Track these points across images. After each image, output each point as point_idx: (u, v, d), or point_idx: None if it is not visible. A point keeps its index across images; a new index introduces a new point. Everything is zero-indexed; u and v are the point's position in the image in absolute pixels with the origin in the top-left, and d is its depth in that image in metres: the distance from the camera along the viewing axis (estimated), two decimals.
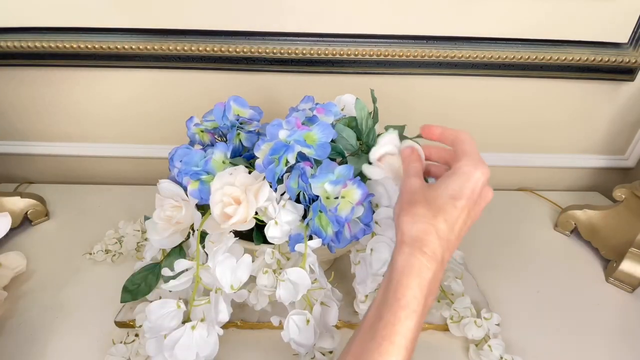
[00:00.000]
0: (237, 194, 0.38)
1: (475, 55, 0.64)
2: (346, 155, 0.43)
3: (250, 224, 0.38)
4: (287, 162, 0.38)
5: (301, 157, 0.39)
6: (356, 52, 0.63)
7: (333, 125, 0.42)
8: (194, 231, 0.41)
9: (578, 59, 0.64)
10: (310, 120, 0.43)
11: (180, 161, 0.43)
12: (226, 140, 0.46)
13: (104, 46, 0.61)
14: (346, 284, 0.48)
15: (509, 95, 0.70)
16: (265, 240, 0.39)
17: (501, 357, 0.43)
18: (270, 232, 0.38)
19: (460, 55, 0.64)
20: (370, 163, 0.37)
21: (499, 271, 0.58)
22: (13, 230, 0.62)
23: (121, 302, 0.44)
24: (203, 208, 0.41)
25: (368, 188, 0.38)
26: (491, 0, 0.60)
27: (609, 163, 0.78)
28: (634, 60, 0.64)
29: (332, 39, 0.63)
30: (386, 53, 0.63)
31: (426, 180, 0.35)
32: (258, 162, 0.39)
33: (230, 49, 0.62)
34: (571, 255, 0.62)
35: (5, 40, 0.61)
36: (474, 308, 0.48)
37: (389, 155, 0.37)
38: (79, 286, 0.54)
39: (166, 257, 0.45)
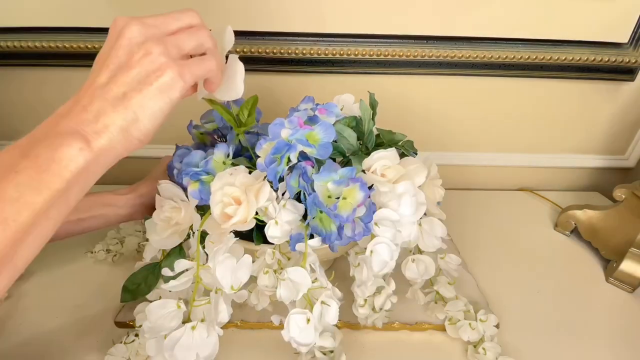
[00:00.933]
0: (238, 194, 0.38)
1: (475, 55, 0.64)
2: (347, 155, 0.43)
3: (251, 224, 0.38)
4: (289, 161, 0.38)
5: (302, 156, 0.39)
6: (356, 52, 0.63)
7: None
8: (194, 231, 0.41)
9: (578, 59, 0.64)
10: (312, 120, 0.43)
11: (180, 162, 0.43)
12: (226, 141, 0.46)
13: None
14: (346, 284, 0.48)
15: (509, 96, 0.70)
16: (265, 240, 0.39)
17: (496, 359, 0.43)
18: (270, 231, 0.38)
19: (460, 55, 0.64)
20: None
21: (499, 271, 0.58)
22: None
23: (121, 301, 0.44)
24: (203, 209, 0.41)
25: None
26: (491, 0, 0.60)
27: (609, 163, 0.78)
28: (634, 60, 0.64)
29: (332, 39, 0.63)
30: (386, 53, 0.63)
31: None
32: (259, 161, 0.39)
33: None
34: (571, 255, 0.62)
35: (5, 40, 0.61)
36: (472, 309, 0.48)
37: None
38: (79, 286, 0.54)
39: (166, 257, 0.45)
